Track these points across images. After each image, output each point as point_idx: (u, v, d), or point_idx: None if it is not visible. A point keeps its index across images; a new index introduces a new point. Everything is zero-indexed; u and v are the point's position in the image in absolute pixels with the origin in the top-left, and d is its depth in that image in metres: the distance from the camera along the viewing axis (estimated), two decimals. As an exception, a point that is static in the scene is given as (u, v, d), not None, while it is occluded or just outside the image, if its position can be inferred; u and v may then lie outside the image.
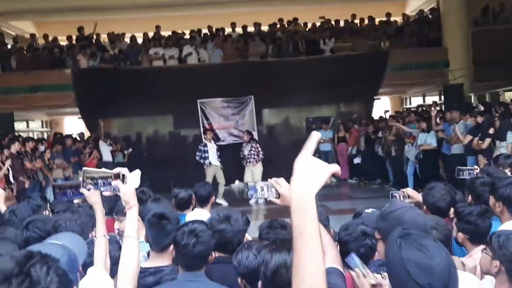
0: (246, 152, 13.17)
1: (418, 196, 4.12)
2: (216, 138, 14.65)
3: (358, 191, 14.01)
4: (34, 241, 2.87)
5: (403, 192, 4.17)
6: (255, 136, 14.78)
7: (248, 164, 13.09)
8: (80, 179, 2.53)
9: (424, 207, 3.94)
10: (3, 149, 10.98)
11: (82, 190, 2.59)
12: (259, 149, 13.22)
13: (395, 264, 1.85)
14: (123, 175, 2.43)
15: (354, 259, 2.51)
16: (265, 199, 2.50)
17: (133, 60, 16.53)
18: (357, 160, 14.96)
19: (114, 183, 2.43)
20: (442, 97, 16.91)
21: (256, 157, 13.06)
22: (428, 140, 11.66)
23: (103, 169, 2.61)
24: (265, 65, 15.97)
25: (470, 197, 4.23)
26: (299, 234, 1.37)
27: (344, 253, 2.91)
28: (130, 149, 15.02)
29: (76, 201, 3.41)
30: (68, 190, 2.81)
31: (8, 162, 10.54)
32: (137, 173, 2.59)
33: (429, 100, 18.87)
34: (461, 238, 3.43)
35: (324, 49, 16.51)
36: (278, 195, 2.42)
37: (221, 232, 3.19)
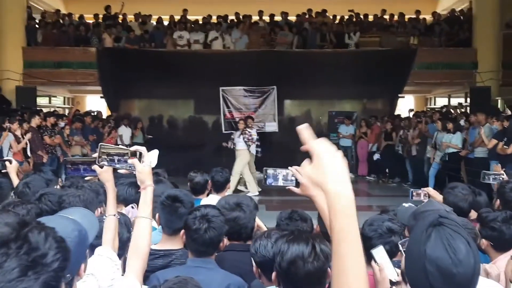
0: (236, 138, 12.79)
1: (439, 197, 3.99)
2: (235, 127, 14.51)
3: (376, 188, 13.85)
4: (46, 214, 2.82)
5: (424, 191, 4.06)
6: (275, 127, 14.69)
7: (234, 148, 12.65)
8: (96, 154, 2.46)
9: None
10: (24, 122, 11.03)
11: (95, 166, 2.53)
12: (252, 136, 12.86)
13: (414, 255, 1.70)
14: (140, 154, 2.36)
15: (380, 251, 2.41)
16: (284, 187, 2.41)
17: (158, 42, 16.55)
18: (376, 156, 14.79)
19: (131, 161, 2.35)
20: (468, 99, 16.62)
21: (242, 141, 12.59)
22: (454, 141, 11.45)
23: (121, 146, 2.54)
24: (290, 55, 15.84)
25: (498, 202, 4.10)
26: (344, 237, 1.36)
27: (367, 249, 2.81)
28: (150, 136, 15.04)
29: (87, 178, 3.34)
30: (81, 166, 2.75)
31: (28, 136, 10.60)
32: (155, 153, 2.52)
33: (454, 101, 18.58)
34: (485, 245, 3.29)
35: (348, 43, 16.32)
36: (298, 184, 2.33)
37: (235, 220, 3.13)
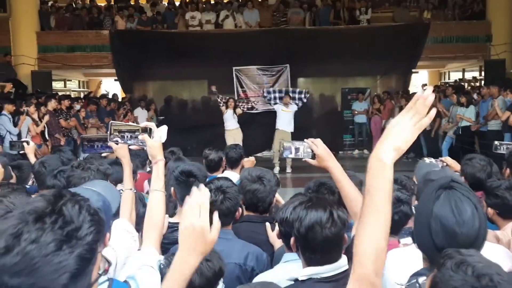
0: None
1: (457, 166, 3.98)
2: (250, 108, 14.73)
3: (390, 164, 13.80)
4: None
5: (442, 160, 4.03)
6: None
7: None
8: (108, 132, 2.54)
9: (463, 178, 3.78)
10: (41, 106, 11.18)
11: (110, 143, 2.62)
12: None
13: (422, 214, 1.78)
14: (150, 129, 2.43)
15: None
16: (301, 159, 2.48)
17: (170, 23, 16.56)
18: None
19: (141, 136, 2.43)
20: (483, 73, 16.45)
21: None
22: (468, 114, 11.39)
23: (131, 123, 2.62)
24: (302, 33, 15.76)
25: (507, 171, 4.10)
26: (374, 190, 1.52)
27: None
28: (162, 118, 15.14)
29: (104, 154, 3.42)
30: (97, 143, 2.83)
31: (46, 118, 10.75)
32: (164, 128, 2.57)
33: (469, 75, 18.40)
34: (491, 213, 3.30)
35: (360, 19, 16.20)
36: (314, 156, 2.39)
37: (254, 192, 3.18)
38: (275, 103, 13.50)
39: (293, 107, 13.02)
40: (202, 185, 1.61)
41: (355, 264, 1.43)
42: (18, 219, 1.09)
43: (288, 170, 12.42)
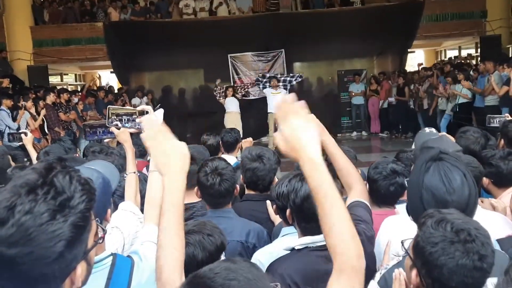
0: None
1: (452, 140, 4.00)
2: (245, 93, 14.81)
3: (389, 144, 13.86)
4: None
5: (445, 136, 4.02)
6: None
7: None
8: (107, 116, 2.57)
9: None
10: (39, 100, 11.19)
11: (112, 128, 2.65)
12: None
13: (413, 185, 1.83)
14: (147, 112, 2.46)
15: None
16: None
17: (164, 13, 16.52)
18: (391, 99, 14.64)
19: (138, 119, 2.48)
20: (479, 50, 16.44)
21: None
22: (464, 91, 11.42)
23: (128, 107, 2.66)
24: (296, 17, 15.73)
25: (502, 142, 4.12)
26: (318, 189, 1.45)
27: (372, 192, 2.92)
28: (159, 105, 15.16)
29: (106, 140, 3.45)
30: (98, 129, 2.85)
31: (43, 112, 10.77)
32: (161, 111, 2.64)
33: (465, 53, 18.38)
34: (486, 183, 3.33)
35: (354, 0, 16.17)
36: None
37: (254, 170, 3.21)
38: (264, 87, 13.57)
39: (282, 90, 13.06)
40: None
41: (335, 256, 1.41)
42: (11, 192, 1.12)
43: None
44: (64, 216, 1.12)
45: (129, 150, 2.80)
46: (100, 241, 1.35)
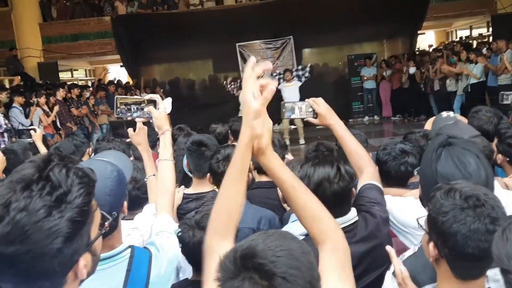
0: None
1: (465, 121, 3.94)
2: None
3: (402, 127, 13.74)
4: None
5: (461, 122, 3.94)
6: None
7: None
8: (114, 106, 2.54)
9: None
10: (50, 96, 11.26)
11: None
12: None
13: (426, 174, 1.81)
14: (155, 101, 2.45)
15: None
16: (303, 119, 2.49)
17: (171, 4, 16.49)
18: (412, 70, 14.42)
19: (147, 108, 2.44)
20: (490, 29, 16.23)
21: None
22: (475, 71, 11.30)
23: (136, 96, 2.63)
24: (303, 3, 15.60)
25: (515, 119, 4.07)
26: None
27: (383, 173, 2.90)
28: (170, 98, 15.15)
29: (139, 120, 3.40)
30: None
31: (56, 108, 10.84)
32: (169, 100, 2.61)
33: (476, 32, 18.16)
34: (500, 159, 3.29)
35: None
36: (316, 115, 2.40)
37: None
38: (278, 83, 13.55)
39: (297, 83, 13.01)
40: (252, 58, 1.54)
41: (323, 241, 1.48)
42: (7, 188, 1.10)
43: (302, 141, 12.43)
44: (61, 212, 1.09)
45: (145, 153, 2.72)
46: (105, 230, 1.32)
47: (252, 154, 1.51)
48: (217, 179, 2.90)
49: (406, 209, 2.38)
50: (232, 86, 13.61)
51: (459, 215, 1.45)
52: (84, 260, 1.17)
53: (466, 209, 1.45)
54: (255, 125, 1.45)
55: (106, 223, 1.39)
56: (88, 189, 1.17)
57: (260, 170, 3.26)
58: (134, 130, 2.70)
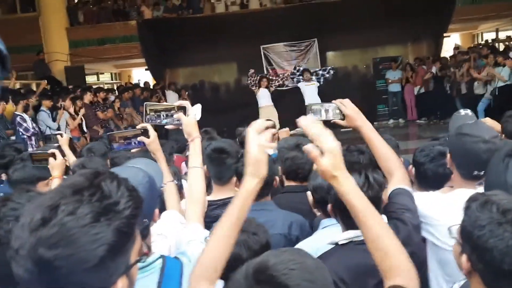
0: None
1: (498, 126, 3.70)
2: (279, 85, 14.81)
3: (428, 130, 13.58)
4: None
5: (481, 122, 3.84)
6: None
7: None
8: (144, 113, 2.54)
9: (503, 136, 3.57)
10: (77, 100, 11.41)
11: (142, 138, 2.60)
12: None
13: (495, 186, 1.71)
14: (185, 108, 2.44)
15: None
16: (330, 121, 2.44)
17: (195, 8, 16.60)
18: (434, 69, 14.26)
19: (176, 115, 2.44)
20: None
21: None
22: (503, 73, 11.14)
23: (165, 103, 2.62)
24: (328, 6, 15.58)
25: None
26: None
27: (420, 175, 2.86)
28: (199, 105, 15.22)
29: (133, 150, 3.41)
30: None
31: (82, 111, 10.98)
32: (198, 106, 2.55)
33: (503, 35, 17.87)
34: None
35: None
36: (343, 117, 2.37)
37: (292, 159, 3.15)
38: (298, 81, 13.57)
39: (316, 83, 13.04)
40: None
41: (394, 278, 1.47)
42: (56, 192, 1.11)
43: None
44: (108, 219, 1.09)
45: (162, 160, 2.67)
46: (143, 259, 1.29)
47: (323, 177, 1.55)
48: None
49: (426, 200, 2.34)
50: (254, 78, 13.66)
51: (496, 230, 1.40)
52: (122, 283, 1.13)
53: (504, 223, 1.40)
54: (260, 170, 1.56)
55: (146, 251, 1.38)
56: (137, 204, 1.17)
57: (289, 175, 3.23)
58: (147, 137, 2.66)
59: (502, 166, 1.72)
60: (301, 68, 14.16)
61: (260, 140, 1.57)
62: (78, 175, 1.17)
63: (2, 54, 1.66)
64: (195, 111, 2.51)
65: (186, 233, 2.10)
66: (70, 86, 13.76)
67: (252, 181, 1.58)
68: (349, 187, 1.53)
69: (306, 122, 1.56)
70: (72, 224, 1.05)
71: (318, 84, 13.13)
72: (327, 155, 1.51)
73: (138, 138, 2.52)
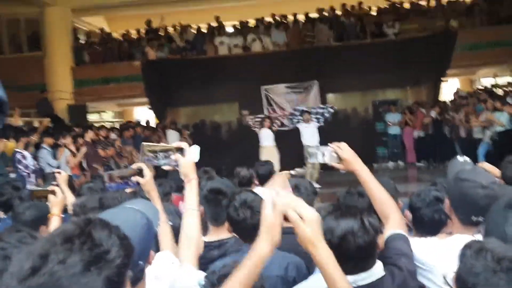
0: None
1: (496, 171, 3.74)
2: (281, 125, 14.89)
3: (427, 173, 13.57)
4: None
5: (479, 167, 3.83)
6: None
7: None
8: (140, 153, 2.54)
9: (502, 181, 3.55)
10: (78, 137, 11.46)
11: (137, 178, 2.59)
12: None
13: (495, 237, 1.71)
14: (182, 149, 2.46)
15: None
16: (326, 164, 2.46)
17: (199, 50, 16.86)
18: (433, 113, 14.38)
19: (174, 156, 2.45)
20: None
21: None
22: (502, 119, 11.23)
23: (163, 144, 2.64)
24: (328, 50, 15.84)
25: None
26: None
27: (416, 220, 2.86)
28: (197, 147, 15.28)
29: (128, 190, 3.40)
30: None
31: (83, 150, 11.00)
32: (196, 148, 2.56)
33: (501, 80, 18.09)
34: None
35: (387, 32, 16.21)
36: (339, 160, 2.39)
37: None
38: (297, 122, 13.64)
39: (315, 124, 13.08)
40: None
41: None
42: (47, 241, 1.10)
43: (315, 185, 12.31)
44: (99, 268, 1.08)
45: (156, 200, 2.63)
46: None
47: (302, 244, 1.63)
48: (237, 227, 2.84)
49: (423, 246, 2.35)
50: (254, 120, 13.73)
51: (491, 278, 1.41)
52: None
53: (499, 272, 1.41)
54: (275, 236, 1.59)
55: None
56: (128, 253, 1.18)
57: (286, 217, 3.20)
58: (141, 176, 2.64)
59: (502, 217, 1.73)
60: (301, 109, 14.29)
61: (277, 205, 1.60)
62: (68, 223, 1.17)
63: (1, 101, 1.68)
64: (193, 153, 2.52)
65: (181, 277, 2.07)
66: (70, 123, 13.86)
67: (265, 248, 1.59)
68: (325, 257, 1.63)
69: (277, 198, 1.63)
70: (62, 273, 1.04)
71: (318, 125, 13.20)
72: (308, 224, 1.58)
73: (133, 178, 2.51)
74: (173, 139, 14.36)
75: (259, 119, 13.72)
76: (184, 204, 2.46)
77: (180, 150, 2.48)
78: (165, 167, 2.54)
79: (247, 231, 2.79)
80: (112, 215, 1.83)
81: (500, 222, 1.71)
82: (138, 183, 2.68)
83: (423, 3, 17.67)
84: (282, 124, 15.14)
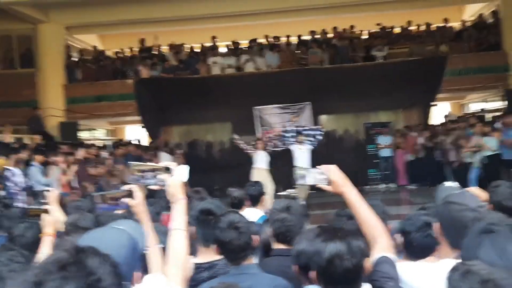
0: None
1: (484, 195, 3.64)
2: (274, 146, 14.90)
3: (418, 196, 13.59)
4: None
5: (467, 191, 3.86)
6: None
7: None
8: (128, 173, 2.55)
9: (491, 206, 3.52)
10: (69, 155, 11.41)
11: (128, 200, 2.55)
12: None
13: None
14: (170, 169, 2.46)
15: None
16: (315, 185, 2.46)
17: (192, 69, 16.92)
18: (421, 140, 14.50)
19: (161, 176, 2.44)
20: (506, 102, 16.37)
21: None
22: (490, 143, 11.33)
23: (150, 163, 2.62)
24: (321, 72, 15.96)
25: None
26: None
27: (407, 244, 2.89)
28: (187, 166, 15.24)
29: (152, 187, 3.36)
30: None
31: (73, 168, 10.95)
32: (185, 167, 2.56)
33: (490, 105, 18.29)
34: None
35: (375, 54, 16.39)
36: (329, 182, 2.40)
37: (282, 221, 3.18)
38: (291, 143, 13.68)
39: (308, 146, 13.10)
40: None
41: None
42: (41, 268, 1.12)
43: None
44: None
45: (147, 223, 2.58)
46: None
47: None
48: (224, 249, 2.83)
49: (411, 270, 2.36)
50: (244, 145, 13.71)
51: None
52: None
53: None
54: None
55: None
56: (118, 281, 1.20)
57: (278, 237, 3.22)
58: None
59: (475, 243, 1.75)
60: (293, 129, 14.35)
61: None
62: (61, 251, 1.18)
63: None
64: (182, 172, 2.51)
65: None
66: (61, 140, 13.80)
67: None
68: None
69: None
70: None
71: (311, 148, 13.22)
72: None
73: (123, 200, 2.49)
74: (165, 159, 14.31)
75: (251, 144, 13.71)
76: (170, 224, 2.43)
77: (168, 169, 2.47)
78: (152, 187, 2.53)
79: (235, 252, 2.81)
80: (98, 235, 1.84)
81: (474, 247, 1.74)
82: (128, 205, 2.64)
83: (413, 28, 17.90)
84: (275, 145, 15.16)
